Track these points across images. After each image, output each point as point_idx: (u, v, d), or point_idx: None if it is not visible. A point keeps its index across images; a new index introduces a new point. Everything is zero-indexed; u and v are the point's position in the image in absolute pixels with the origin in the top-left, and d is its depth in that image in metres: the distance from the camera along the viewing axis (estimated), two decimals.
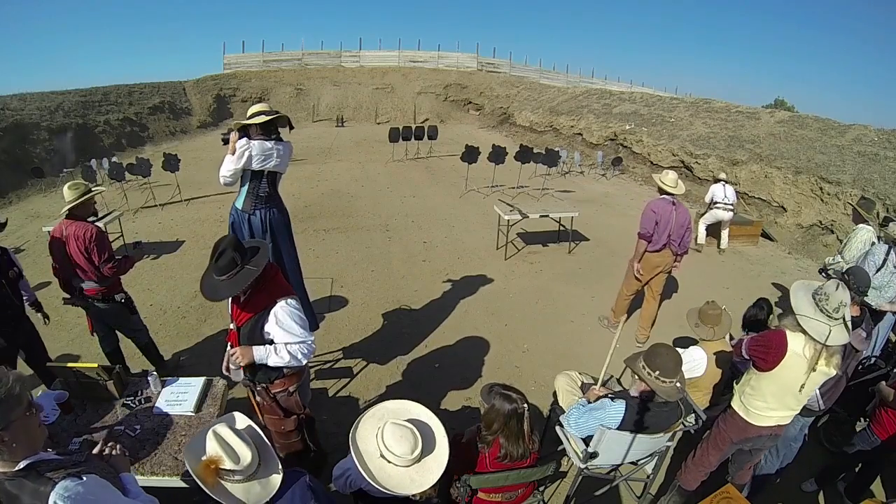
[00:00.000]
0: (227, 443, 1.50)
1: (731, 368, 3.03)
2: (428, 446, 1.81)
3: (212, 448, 1.49)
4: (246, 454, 1.50)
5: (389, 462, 1.75)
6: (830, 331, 2.06)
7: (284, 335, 2.12)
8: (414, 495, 1.73)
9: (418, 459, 1.75)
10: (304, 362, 2.21)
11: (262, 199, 3.08)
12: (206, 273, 2.11)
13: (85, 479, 1.22)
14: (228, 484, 1.50)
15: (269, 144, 2.94)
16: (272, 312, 2.11)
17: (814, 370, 2.13)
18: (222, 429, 1.54)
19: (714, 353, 2.96)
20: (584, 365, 3.73)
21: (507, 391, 2.04)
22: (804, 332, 2.11)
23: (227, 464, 1.47)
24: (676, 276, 4.65)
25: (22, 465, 1.17)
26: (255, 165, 2.95)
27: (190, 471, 1.51)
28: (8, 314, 2.96)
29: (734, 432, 2.45)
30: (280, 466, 1.60)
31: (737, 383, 2.50)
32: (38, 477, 1.16)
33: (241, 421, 1.72)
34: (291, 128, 3.14)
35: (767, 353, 2.20)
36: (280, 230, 3.16)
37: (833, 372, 2.17)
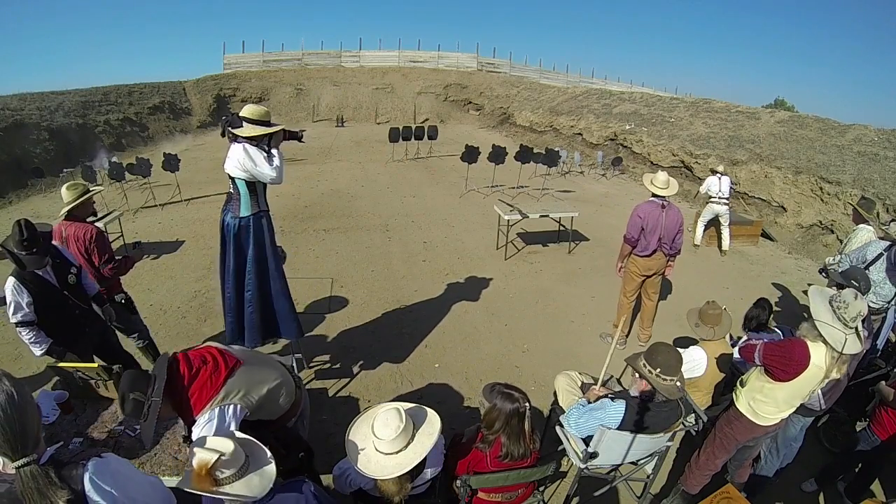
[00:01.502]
0: (209, 447, 1.49)
1: (731, 368, 3.03)
2: (417, 430, 1.85)
3: (195, 461, 1.47)
4: (228, 444, 1.49)
5: (378, 450, 1.78)
6: (846, 339, 2.07)
7: None
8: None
9: (405, 444, 1.79)
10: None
11: (226, 201, 3.04)
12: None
13: (105, 456, 1.26)
14: (228, 486, 1.49)
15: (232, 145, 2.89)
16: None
17: (826, 375, 2.15)
18: (198, 447, 1.52)
19: (714, 354, 2.96)
20: (584, 365, 3.73)
21: (509, 390, 2.05)
22: (825, 341, 2.11)
23: (213, 457, 1.45)
24: (669, 277, 4.63)
25: (44, 458, 1.19)
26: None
27: (189, 490, 1.48)
28: (78, 323, 2.86)
29: (741, 433, 2.45)
30: (269, 454, 1.59)
31: (742, 385, 2.46)
32: (64, 465, 1.19)
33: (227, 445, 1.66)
34: (301, 140, 3.18)
35: (788, 365, 2.17)
36: (230, 234, 2.98)
37: (839, 377, 2.19)
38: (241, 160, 2.80)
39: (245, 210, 2.97)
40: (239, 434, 1.65)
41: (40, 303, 2.61)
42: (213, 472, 1.46)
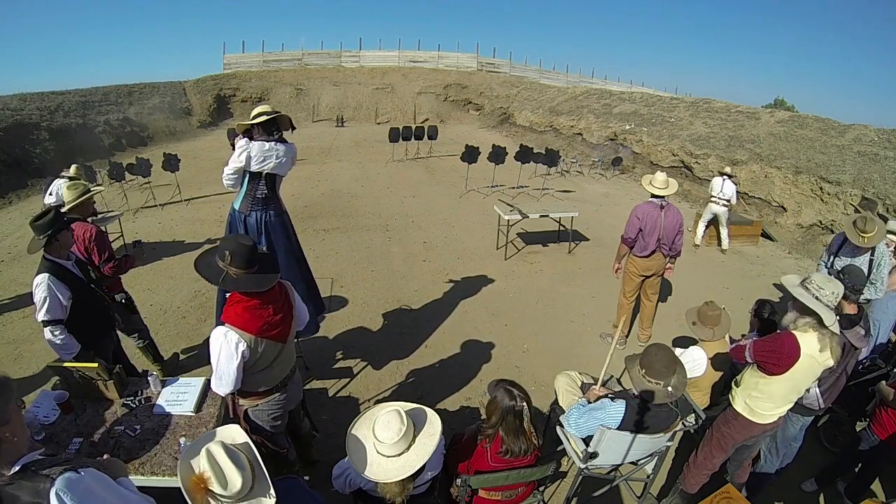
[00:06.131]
0: (219, 465, 1.45)
1: (730, 368, 3.03)
2: (418, 431, 1.86)
3: (202, 466, 1.45)
4: (236, 481, 1.45)
5: (380, 453, 1.79)
6: (832, 317, 2.13)
7: None
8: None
9: (407, 446, 1.79)
10: (216, 391, 2.10)
11: (259, 201, 3.05)
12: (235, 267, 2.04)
13: (82, 472, 1.22)
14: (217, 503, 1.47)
15: (267, 145, 2.91)
16: None
17: (819, 363, 2.16)
18: (216, 448, 1.48)
19: (714, 354, 2.96)
20: (584, 365, 3.73)
21: (511, 387, 2.07)
22: (814, 327, 2.13)
23: (216, 487, 1.43)
24: (669, 278, 4.63)
25: (17, 467, 1.17)
26: (254, 166, 2.93)
27: (180, 484, 1.47)
28: (109, 316, 2.93)
29: (739, 433, 2.44)
30: (272, 490, 1.55)
31: (737, 385, 2.47)
32: (34, 476, 1.16)
33: (239, 437, 1.66)
34: (293, 128, 3.09)
35: (780, 358, 2.18)
36: (276, 231, 3.13)
37: (832, 363, 2.19)
38: (293, 157, 3.06)
39: (283, 205, 3.24)
40: (255, 453, 1.61)
41: (75, 296, 2.56)
42: (209, 491, 1.45)
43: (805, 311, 2.17)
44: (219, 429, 1.69)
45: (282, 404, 2.34)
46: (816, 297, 2.13)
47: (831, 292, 2.11)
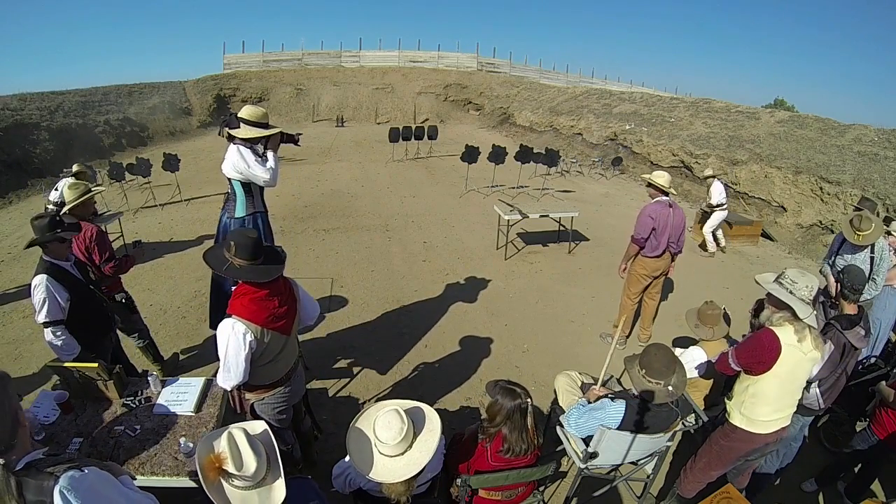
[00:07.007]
0: (238, 447, 1.51)
1: None
2: (418, 430, 1.86)
3: (221, 446, 1.50)
4: (251, 464, 1.49)
5: (382, 454, 1.79)
6: (809, 312, 2.14)
7: None
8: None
9: (409, 444, 1.80)
10: (223, 385, 2.14)
11: (224, 200, 3.15)
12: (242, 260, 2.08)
13: (86, 470, 1.23)
14: (227, 486, 1.50)
15: None
16: None
17: (804, 354, 2.14)
18: (237, 431, 1.55)
19: (713, 353, 2.95)
20: (584, 365, 3.73)
21: (511, 386, 2.08)
22: (789, 321, 2.14)
23: (230, 466, 1.47)
24: (671, 277, 4.63)
25: (21, 464, 1.18)
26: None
27: (196, 459, 1.52)
28: (108, 317, 2.92)
29: (742, 447, 2.38)
30: (283, 480, 1.58)
31: (730, 399, 2.41)
32: (38, 473, 1.17)
33: (259, 428, 1.71)
34: (227, 128, 2.97)
35: (762, 354, 2.17)
36: (225, 233, 3.10)
37: (818, 355, 2.19)
38: (234, 161, 2.87)
39: (240, 211, 3.04)
40: (274, 444, 1.65)
41: (74, 297, 2.57)
42: (222, 469, 1.49)
43: (780, 305, 2.19)
44: (242, 423, 1.73)
45: (286, 397, 2.39)
46: (790, 292, 2.14)
47: (805, 286, 2.13)
